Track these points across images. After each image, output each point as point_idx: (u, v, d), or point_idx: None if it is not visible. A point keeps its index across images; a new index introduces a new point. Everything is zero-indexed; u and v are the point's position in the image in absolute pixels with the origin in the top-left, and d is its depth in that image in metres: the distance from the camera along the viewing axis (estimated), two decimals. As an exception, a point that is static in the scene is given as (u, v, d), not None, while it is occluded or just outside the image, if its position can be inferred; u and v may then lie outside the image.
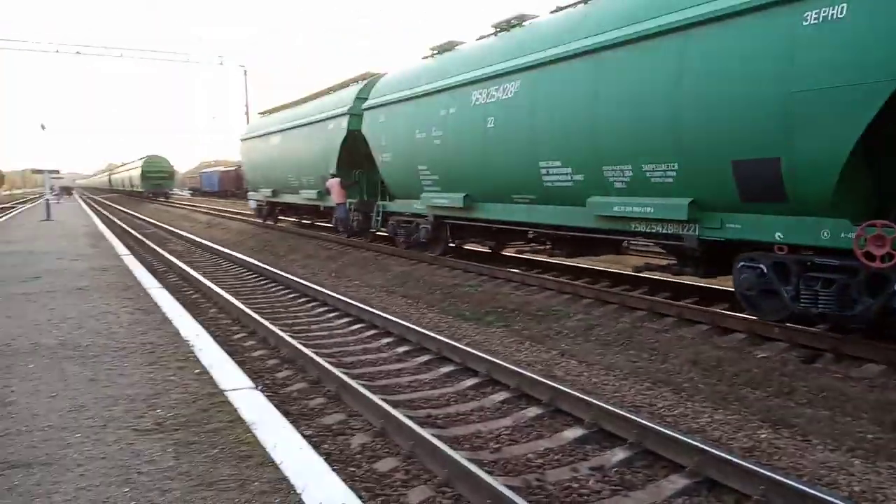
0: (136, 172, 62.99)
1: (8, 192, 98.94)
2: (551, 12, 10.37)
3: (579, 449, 4.58)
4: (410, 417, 4.81)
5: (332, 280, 12.44)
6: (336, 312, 9.19)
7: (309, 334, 8.08)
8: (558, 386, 5.38)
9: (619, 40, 8.03)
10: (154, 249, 17.16)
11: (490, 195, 11.15)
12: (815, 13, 5.91)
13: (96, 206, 48.47)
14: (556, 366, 6.69)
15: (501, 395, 5.64)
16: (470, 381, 6.06)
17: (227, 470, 3.28)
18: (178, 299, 8.45)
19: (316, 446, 4.22)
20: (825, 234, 6.25)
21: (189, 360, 5.35)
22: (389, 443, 4.59)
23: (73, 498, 2.97)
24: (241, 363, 5.89)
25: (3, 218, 29.85)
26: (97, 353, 5.48)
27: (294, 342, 6.93)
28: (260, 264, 13.51)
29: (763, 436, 4.85)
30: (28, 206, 46.03)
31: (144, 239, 19.99)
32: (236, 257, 15.11)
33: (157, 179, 60.37)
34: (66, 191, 64.96)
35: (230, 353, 5.90)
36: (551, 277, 10.63)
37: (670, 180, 7.65)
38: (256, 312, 8.61)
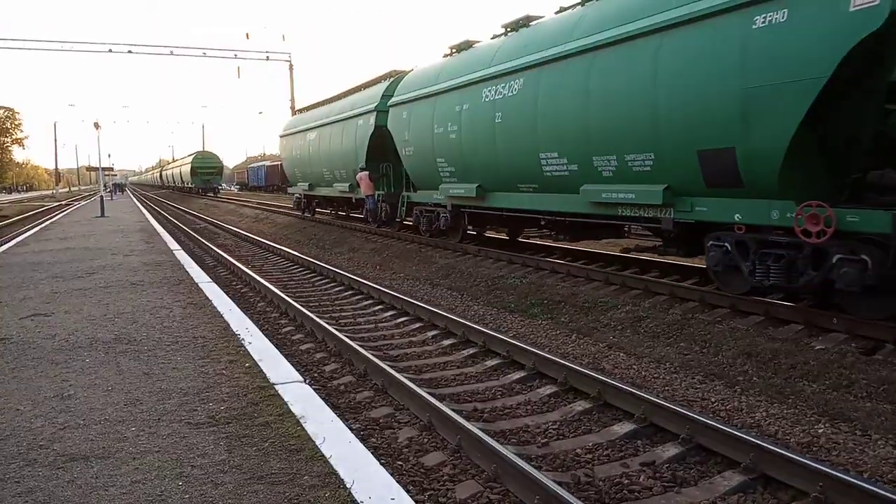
0: (187, 168, 64.40)
1: (66, 190, 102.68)
2: (556, 13, 11.05)
3: (629, 444, 4.51)
4: (457, 411, 4.80)
5: (377, 272, 12.52)
6: (381, 305, 9.25)
7: (355, 327, 8.15)
8: (607, 379, 5.31)
9: (608, 41, 8.85)
10: (204, 244, 17.54)
11: (499, 185, 12.08)
12: (763, 17, 6.73)
13: (148, 202, 49.80)
14: (604, 359, 6.60)
15: (548, 389, 5.59)
16: (516, 375, 6.02)
17: (277, 464, 3.32)
18: (227, 293, 8.61)
19: (364, 440, 4.25)
20: (774, 214, 7.04)
21: (239, 353, 5.44)
22: (436, 437, 4.59)
23: (129, 491, 3.04)
24: (289, 356, 5.97)
25: (60, 215, 30.87)
26: (151, 347, 5.61)
27: (340, 335, 6.99)
28: (306, 258, 13.69)
29: (821, 430, 4.70)
30: (83, 202, 47.53)
31: (195, 234, 20.45)
32: (283, 251, 15.35)
33: (206, 175, 61.63)
34: (119, 188, 66.81)
35: (279, 347, 5.98)
36: (597, 268, 10.49)
37: (648, 169, 8.48)
38: (303, 305, 8.72)
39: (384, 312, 8.89)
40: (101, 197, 29.39)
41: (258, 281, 10.86)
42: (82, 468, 3.28)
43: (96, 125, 30.02)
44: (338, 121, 20.05)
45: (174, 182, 75.48)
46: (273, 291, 9.81)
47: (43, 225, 23.56)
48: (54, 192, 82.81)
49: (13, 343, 5.77)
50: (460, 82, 12.69)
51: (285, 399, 4.27)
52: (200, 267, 11.16)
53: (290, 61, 43.25)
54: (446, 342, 7.27)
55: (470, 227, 14.39)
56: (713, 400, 5.33)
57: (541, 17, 11.67)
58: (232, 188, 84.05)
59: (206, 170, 61.84)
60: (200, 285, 8.89)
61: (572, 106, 9.56)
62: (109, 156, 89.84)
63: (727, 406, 5.20)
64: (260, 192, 62.36)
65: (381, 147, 17.09)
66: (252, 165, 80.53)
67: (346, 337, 6.97)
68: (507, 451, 3.95)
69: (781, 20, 6.58)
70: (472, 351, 6.84)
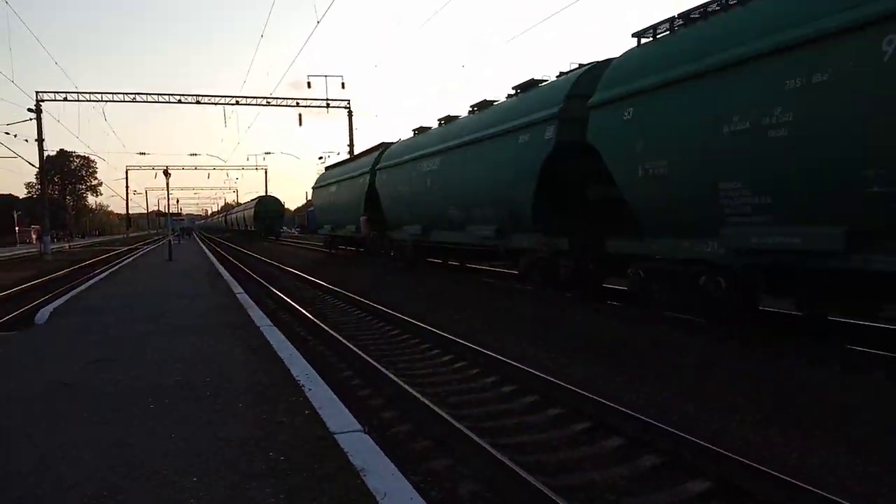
0: (250, 213, 66.23)
1: (144, 233, 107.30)
2: (468, 113, 17.33)
3: None
4: (518, 463, 4.61)
5: (421, 310, 12.42)
6: (438, 350, 9.11)
7: (414, 373, 8.03)
8: (681, 433, 5.04)
9: (473, 140, 15.46)
10: (265, 286, 17.82)
11: (433, 226, 18.58)
12: (522, 137, 12.95)
13: (214, 245, 51.25)
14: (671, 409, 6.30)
15: (616, 442, 5.35)
16: (580, 426, 5.78)
17: (337, 520, 3.22)
18: (287, 337, 8.65)
19: (424, 494, 4.11)
20: (536, 242, 13.04)
21: (299, 400, 5.41)
22: (498, 490, 4.41)
23: (189, 546, 2.99)
24: (348, 403, 5.89)
25: (130, 259, 32.00)
26: (212, 393, 5.64)
27: (399, 381, 6.89)
28: (366, 301, 13.69)
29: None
30: (152, 246, 49.27)
31: (256, 276, 20.83)
32: (341, 293, 15.39)
33: (269, 219, 63.25)
34: (186, 232, 69.03)
35: (338, 392, 5.92)
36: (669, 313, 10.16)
37: (491, 215, 14.62)
38: (362, 351, 8.66)
39: (441, 357, 8.75)
40: (170, 242, 30.41)
41: (316, 324, 10.90)
42: (143, 521, 3.25)
43: (166, 172, 31.20)
44: (347, 178, 27.71)
45: (238, 226, 77.61)
46: (331, 334, 9.81)
47: (114, 269, 24.45)
48: (125, 236, 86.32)
49: (78, 389, 5.88)
50: (412, 157, 19.40)
51: (345, 450, 4.20)
52: (261, 310, 11.31)
53: (348, 108, 44.21)
54: (506, 388, 7.08)
55: (431, 258, 21.31)
56: (793, 456, 5.00)
57: (457, 117, 18.09)
58: (293, 230, 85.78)
59: (269, 214, 63.51)
60: (261, 329, 8.99)
61: (460, 177, 16.08)
62: (178, 201, 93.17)
63: (808, 462, 4.87)
64: (318, 236, 63.32)
65: (374, 199, 23.61)
66: (311, 209, 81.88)
67: (405, 383, 6.85)
68: (573, 510, 3.75)
69: (527, 140, 12.76)
70: (533, 399, 6.63)
